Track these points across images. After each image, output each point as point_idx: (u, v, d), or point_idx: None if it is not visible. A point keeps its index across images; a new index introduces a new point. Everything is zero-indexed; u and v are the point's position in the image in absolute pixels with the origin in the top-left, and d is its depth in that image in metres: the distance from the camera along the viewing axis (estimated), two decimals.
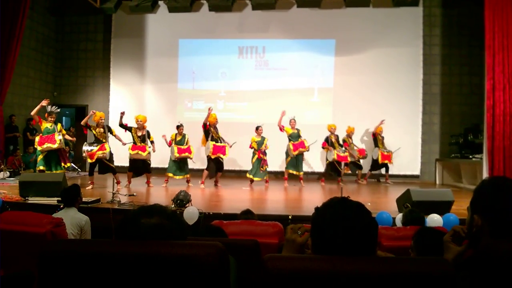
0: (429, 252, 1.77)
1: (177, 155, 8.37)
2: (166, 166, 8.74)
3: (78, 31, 12.11)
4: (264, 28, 11.31)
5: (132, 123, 8.24)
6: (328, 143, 9.25)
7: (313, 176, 10.46)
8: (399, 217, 4.62)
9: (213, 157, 8.36)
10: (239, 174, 10.02)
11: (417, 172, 10.80)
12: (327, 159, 9.37)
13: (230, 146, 8.56)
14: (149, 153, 8.12)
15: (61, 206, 4.49)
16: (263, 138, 8.71)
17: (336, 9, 10.84)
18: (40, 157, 7.59)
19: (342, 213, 1.21)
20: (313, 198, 7.47)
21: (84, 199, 5.29)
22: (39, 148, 7.57)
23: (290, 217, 4.95)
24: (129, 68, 11.78)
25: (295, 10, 10.91)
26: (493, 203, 1.34)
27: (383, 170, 10.14)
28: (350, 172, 9.75)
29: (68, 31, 12.17)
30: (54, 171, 7.53)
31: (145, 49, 11.79)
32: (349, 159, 9.24)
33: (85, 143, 8.03)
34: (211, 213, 5.14)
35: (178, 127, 8.66)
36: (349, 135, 9.80)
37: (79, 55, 12.12)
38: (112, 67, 11.89)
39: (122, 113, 7.98)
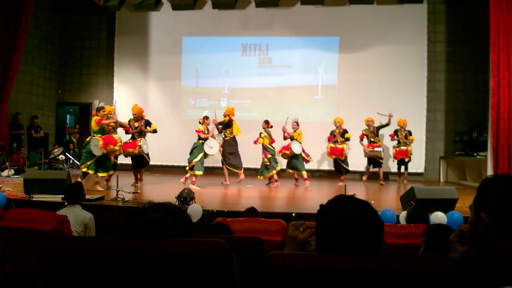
0: (440, 249, 1.77)
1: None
2: (166, 163, 8.75)
3: (82, 29, 12.15)
4: (268, 26, 11.30)
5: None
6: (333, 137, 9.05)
7: (317, 174, 10.45)
8: (403, 214, 4.61)
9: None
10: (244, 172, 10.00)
11: (421, 169, 10.76)
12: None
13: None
14: (140, 147, 7.56)
15: (65, 203, 4.52)
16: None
17: (340, 6, 10.80)
18: (91, 161, 6.99)
19: (349, 211, 1.20)
20: (316, 195, 7.46)
21: (88, 197, 5.33)
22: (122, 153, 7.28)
23: (293, 214, 4.96)
24: (133, 66, 11.80)
25: (299, 7, 10.89)
26: (500, 200, 1.33)
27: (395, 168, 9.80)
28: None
29: (72, 29, 12.20)
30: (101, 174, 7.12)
31: (148, 47, 11.80)
32: (345, 153, 8.89)
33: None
34: (214, 210, 5.14)
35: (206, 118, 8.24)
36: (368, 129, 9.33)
37: (83, 53, 12.16)
38: (116, 64, 11.93)
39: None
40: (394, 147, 9.41)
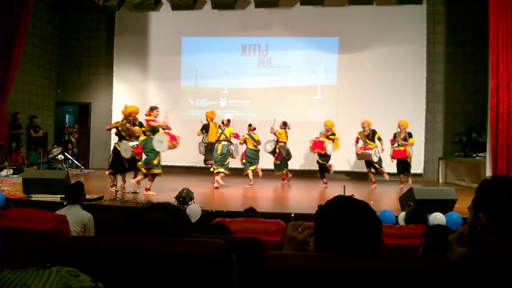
0: (439, 250, 1.77)
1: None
2: (165, 163, 8.75)
3: (81, 29, 12.13)
4: (267, 26, 11.30)
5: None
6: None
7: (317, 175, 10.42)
8: (402, 215, 4.62)
9: None
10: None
11: (420, 170, 10.76)
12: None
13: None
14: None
15: (64, 203, 4.52)
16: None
17: (339, 7, 10.81)
18: (157, 159, 6.82)
19: (347, 212, 1.20)
20: (315, 196, 7.47)
21: (87, 196, 5.32)
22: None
23: (292, 215, 4.96)
24: (132, 66, 11.80)
25: (298, 8, 10.88)
26: (499, 201, 1.33)
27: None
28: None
29: (72, 28, 12.19)
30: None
31: (148, 47, 11.80)
32: (326, 147, 8.61)
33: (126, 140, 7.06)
34: (213, 210, 5.14)
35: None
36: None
37: (82, 53, 12.14)
38: (115, 64, 11.91)
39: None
40: (392, 147, 9.06)
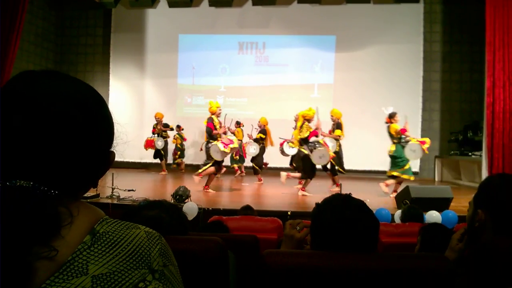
0: (435, 248, 1.77)
1: None
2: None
3: (77, 26, 12.07)
4: (265, 24, 11.29)
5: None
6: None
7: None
8: (398, 213, 4.63)
9: None
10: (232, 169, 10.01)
11: (416, 169, 10.76)
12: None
13: None
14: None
15: None
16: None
17: (336, 5, 10.80)
18: (408, 165, 6.88)
19: (344, 212, 1.20)
20: (311, 194, 7.46)
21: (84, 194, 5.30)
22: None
23: (289, 213, 4.96)
24: (129, 63, 11.76)
25: (296, 6, 10.87)
26: (499, 198, 1.33)
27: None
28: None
29: (68, 25, 12.13)
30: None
31: (145, 44, 11.76)
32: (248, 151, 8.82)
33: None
34: (210, 208, 5.14)
35: None
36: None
37: (79, 50, 12.09)
38: (112, 62, 11.87)
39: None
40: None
